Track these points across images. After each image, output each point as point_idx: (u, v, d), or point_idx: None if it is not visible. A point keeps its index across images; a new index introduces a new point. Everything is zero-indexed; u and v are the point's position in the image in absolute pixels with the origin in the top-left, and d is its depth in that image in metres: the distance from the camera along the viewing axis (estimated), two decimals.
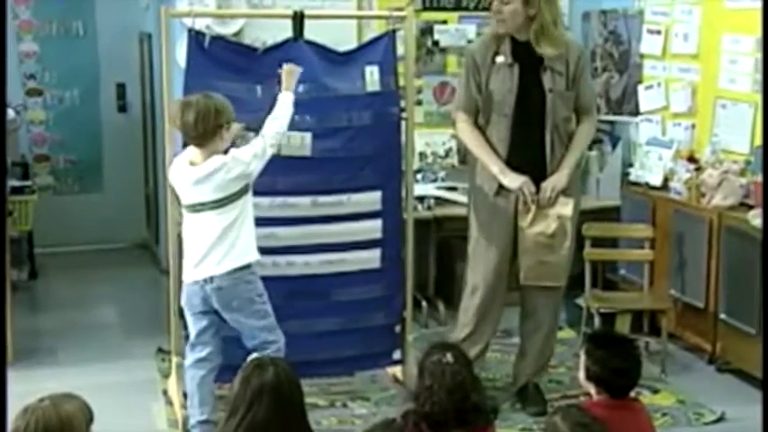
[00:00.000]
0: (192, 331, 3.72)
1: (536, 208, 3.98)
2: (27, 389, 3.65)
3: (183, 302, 3.71)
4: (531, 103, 3.99)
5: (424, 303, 5.35)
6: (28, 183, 6.05)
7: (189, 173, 3.57)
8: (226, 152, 3.56)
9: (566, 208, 3.99)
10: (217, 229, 3.55)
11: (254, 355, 2.70)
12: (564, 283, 4.15)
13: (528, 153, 4.01)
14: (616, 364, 2.96)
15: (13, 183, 5.75)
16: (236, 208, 3.57)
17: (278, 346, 3.66)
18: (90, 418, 2.47)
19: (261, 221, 3.99)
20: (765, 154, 4.56)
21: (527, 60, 3.97)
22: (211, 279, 3.56)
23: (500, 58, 4.01)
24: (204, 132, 3.49)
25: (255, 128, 3.96)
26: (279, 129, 3.71)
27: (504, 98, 4.00)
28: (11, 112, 6.08)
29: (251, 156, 3.58)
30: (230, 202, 3.56)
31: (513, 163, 4.02)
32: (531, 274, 4.06)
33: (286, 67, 3.84)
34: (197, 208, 3.58)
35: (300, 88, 4.04)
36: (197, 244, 3.60)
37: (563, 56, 3.97)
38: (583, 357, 3.04)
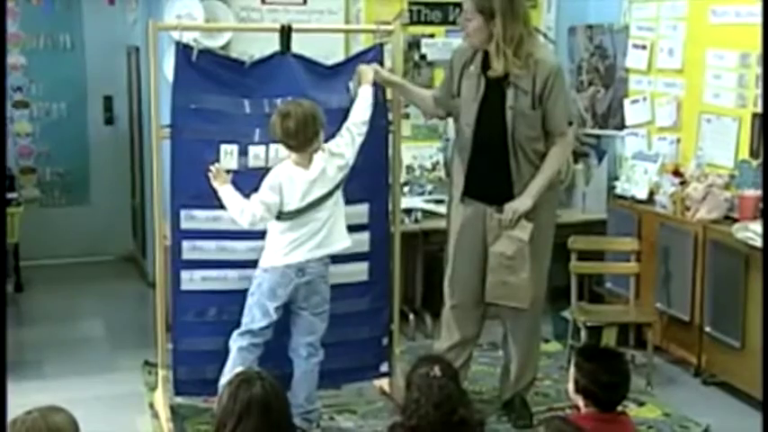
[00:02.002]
0: (261, 323, 3.86)
1: (498, 228, 3.99)
2: (13, 402, 3.63)
3: (260, 289, 3.86)
4: (493, 117, 3.95)
5: (411, 316, 5.36)
6: (14, 195, 6.02)
7: (303, 175, 3.81)
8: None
9: (524, 232, 3.97)
10: (323, 218, 3.86)
11: (239, 368, 2.69)
12: (527, 306, 4.06)
13: (490, 169, 4.00)
14: (605, 379, 2.97)
15: None
16: (335, 196, 3.90)
17: (319, 358, 3.99)
18: (76, 430, 2.46)
19: (247, 235, 4.01)
20: (766, 158, 4.58)
21: (495, 74, 3.94)
22: (304, 267, 3.85)
23: (472, 67, 4.02)
24: (305, 139, 3.76)
25: (243, 141, 3.99)
26: (363, 118, 3.97)
27: (469, 108, 4.01)
28: None
29: (345, 146, 3.91)
30: (336, 191, 3.89)
31: (474, 177, 4.04)
32: (492, 294, 4.07)
33: (361, 66, 4.11)
34: (313, 204, 3.83)
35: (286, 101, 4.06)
36: (300, 234, 3.84)
37: (530, 73, 3.89)
38: (572, 370, 3.06)
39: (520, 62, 3.88)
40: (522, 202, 3.96)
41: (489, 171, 4.01)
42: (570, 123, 4.12)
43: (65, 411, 2.48)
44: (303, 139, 3.76)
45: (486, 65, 3.97)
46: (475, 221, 4.07)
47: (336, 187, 3.88)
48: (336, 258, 4.12)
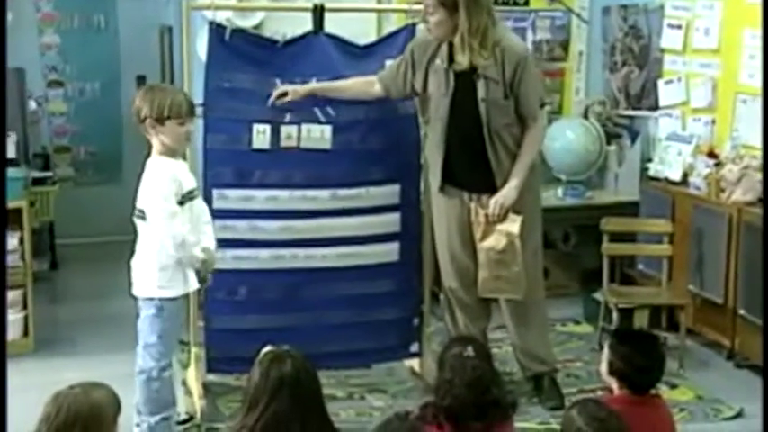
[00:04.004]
0: None
1: (485, 223, 3.94)
2: (47, 379, 3.69)
3: None
4: (466, 110, 3.88)
5: (441, 296, 5.35)
6: (49, 174, 6.09)
7: None
8: None
9: (513, 225, 3.91)
10: None
11: (268, 347, 2.71)
12: (521, 297, 4.03)
13: (468, 160, 3.95)
14: (640, 362, 2.96)
15: (34, 174, 5.80)
16: None
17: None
18: (118, 406, 2.50)
19: (279, 214, 4.03)
20: (765, 150, 4.58)
21: (461, 67, 3.86)
22: None
23: (438, 61, 3.93)
24: None
25: (275, 120, 4.00)
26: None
27: (439, 102, 3.94)
28: (33, 104, 6.13)
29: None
30: None
31: (454, 169, 3.99)
32: (485, 287, 4.04)
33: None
34: None
35: (320, 81, 4.06)
36: None
37: (498, 62, 3.82)
38: (606, 352, 3.04)
39: (487, 53, 3.80)
40: (507, 195, 3.89)
41: (468, 162, 3.96)
42: (542, 105, 4.04)
43: (106, 387, 2.51)
44: None
45: (452, 57, 3.89)
46: (460, 211, 4.04)
47: None
48: (368, 239, 4.14)
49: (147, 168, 3.49)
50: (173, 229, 3.37)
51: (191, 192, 3.51)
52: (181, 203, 3.43)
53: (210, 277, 3.59)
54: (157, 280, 3.47)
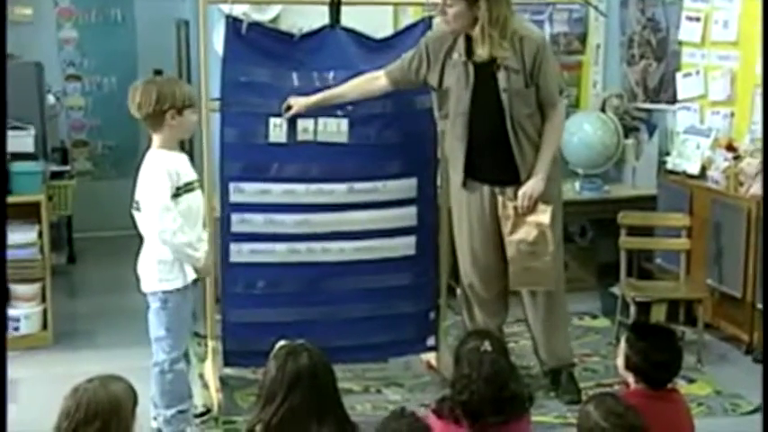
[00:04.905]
0: None
1: (515, 215, 3.93)
2: (66, 371, 3.72)
3: None
4: (488, 102, 3.87)
5: (458, 291, 5.35)
6: (67, 168, 6.11)
7: None
8: None
9: (544, 215, 3.90)
10: None
11: (282, 341, 2.71)
12: (553, 287, 4.05)
13: (492, 153, 3.94)
14: (658, 357, 2.94)
15: (52, 168, 5.82)
16: None
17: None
18: (135, 400, 2.51)
19: (296, 208, 4.03)
20: (765, 150, 4.54)
21: (481, 59, 3.84)
22: None
23: (455, 55, 3.91)
24: None
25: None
26: None
27: (460, 96, 3.91)
28: (51, 98, 6.16)
29: None
30: None
31: (476, 163, 3.97)
32: (517, 281, 4.03)
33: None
34: None
35: (337, 75, 4.06)
36: None
37: (518, 51, 3.81)
38: (623, 346, 3.03)
39: (506, 43, 3.79)
40: (535, 186, 3.89)
41: (491, 155, 3.95)
42: (561, 92, 4.04)
43: (124, 380, 2.52)
44: None
45: (470, 50, 3.87)
46: (481, 206, 4.02)
47: None
48: (384, 232, 4.14)
49: (146, 160, 3.50)
50: (162, 223, 3.39)
51: (189, 183, 3.50)
52: (176, 195, 3.43)
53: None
54: (158, 273, 3.50)
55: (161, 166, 3.43)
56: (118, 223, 6.79)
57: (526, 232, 3.94)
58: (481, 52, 3.82)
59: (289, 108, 3.99)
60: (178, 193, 3.44)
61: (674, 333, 3.20)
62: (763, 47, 4.48)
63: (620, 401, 2.61)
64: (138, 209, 3.49)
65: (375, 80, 4.05)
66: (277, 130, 4.01)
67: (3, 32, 4.47)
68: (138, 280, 3.61)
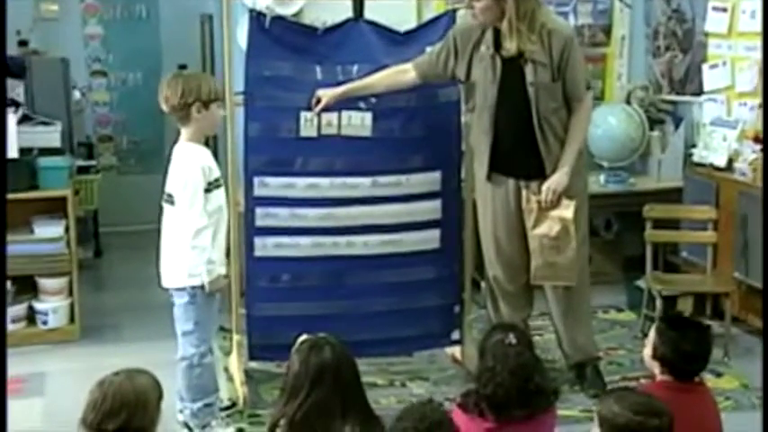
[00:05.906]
0: None
1: (538, 209, 3.92)
2: (93, 365, 3.75)
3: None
4: (515, 96, 3.85)
5: (482, 284, 5.34)
6: (93, 162, 6.17)
7: None
8: None
9: (567, 210, 3.89)
10: None
11: (304, 336, 2.71)
12: (574, 283, 4.02)
13: (517, 147, 3.92)
14: (687, 348, 2.90)
15: (79, 162, 5.87)
16: None
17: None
18: (160, 393, 2.52)
19: (320, 202, 4.04)
20: (766, 147, 4.51)
21: (510, 52, 3.82)
22: None
23: (483, 48, 3.90)
24: None
25: (313, 107, 4.00)
26: None
27: (487, 89, 3.90)
28: (77, 94, 6.21)
29: None
30: None
31: (502, 156, 3.95)
32: (539, 275, 4.01)
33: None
34: None
35: (360, 68, 4.06)
36: None
37: (545, 45, 3.79)
38: (652, 335, 2.99)
39: (534, 36, 3.77)
40: (559, 180, 3.87)
41: (516, 148, 3.93)
42: (588, 88, 4.02)
43: (149, 373, 2.54)
44: None
45: (498, 43, 3.86)
46: (506, 199, 4.01)
47: None
48: (408, 226, 4.13)
49: (177, 154, 3.53)
50: (193, 218, 3.44)
51: (217, 180, 3.55)
52: (207, 191, 3.47)
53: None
54: (187, 268, 3.50)
55: (195, 161, 3.47)
56: (143, 218, 6.86)
57: (549, 227, 3.92)
58: (509, 46, 3.80)
59: (318, 101, 3.99)
60: (209, 188, 3.46)
61: (707, 327, 3.12)
62: (763, 47, 4.43)
63: (641, 395, 2.58)
64: (171, 202, 3.51)
65: (404, 73, 4.04)
66: (308, 125, 4.01)
67: (3, 33, 4.50)
68: (158, 276, 3.62)
